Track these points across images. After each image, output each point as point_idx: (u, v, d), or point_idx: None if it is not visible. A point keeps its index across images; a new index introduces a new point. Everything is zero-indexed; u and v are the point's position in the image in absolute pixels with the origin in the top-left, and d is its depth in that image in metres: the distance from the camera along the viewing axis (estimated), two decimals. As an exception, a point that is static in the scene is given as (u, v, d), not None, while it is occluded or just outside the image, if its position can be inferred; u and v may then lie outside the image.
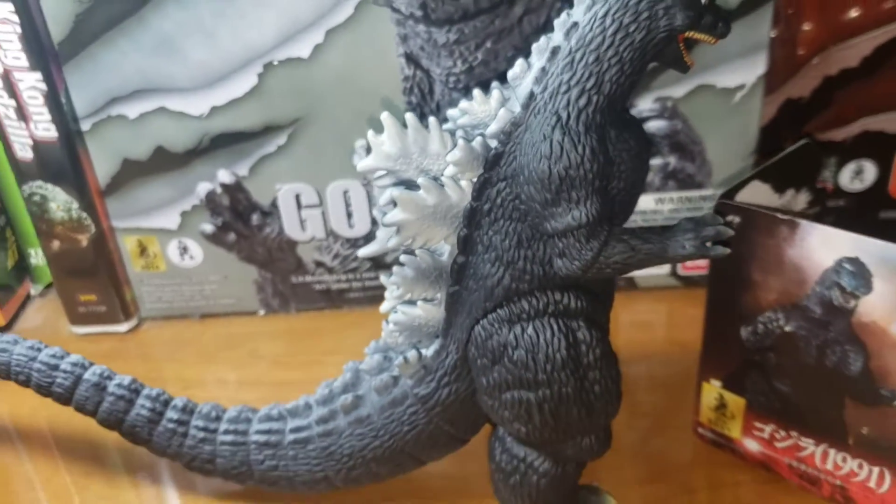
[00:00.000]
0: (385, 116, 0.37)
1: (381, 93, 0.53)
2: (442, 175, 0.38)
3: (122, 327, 0.62)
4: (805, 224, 0.39)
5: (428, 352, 0.41)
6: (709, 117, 0.54)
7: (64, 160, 0.56)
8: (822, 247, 0.39)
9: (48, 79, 0.54)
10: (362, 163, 0.39)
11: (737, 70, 0.52)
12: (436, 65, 0.52)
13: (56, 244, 0.59)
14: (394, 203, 0.38)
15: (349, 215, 0.58)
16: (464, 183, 0.38)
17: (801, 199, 0.47)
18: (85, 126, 0.55)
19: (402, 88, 0.53)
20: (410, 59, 0.52)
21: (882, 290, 0.38)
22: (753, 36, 0.51)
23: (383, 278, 0.41)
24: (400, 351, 0.42)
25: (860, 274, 0.38)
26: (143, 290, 0.62)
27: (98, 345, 0.61)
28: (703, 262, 0.59)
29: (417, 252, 0.39)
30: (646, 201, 0.57)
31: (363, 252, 0.41)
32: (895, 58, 0.56)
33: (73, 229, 0.58)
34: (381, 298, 0.61)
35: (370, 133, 0.38)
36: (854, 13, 0.55)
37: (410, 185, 0.38)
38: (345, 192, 0.57)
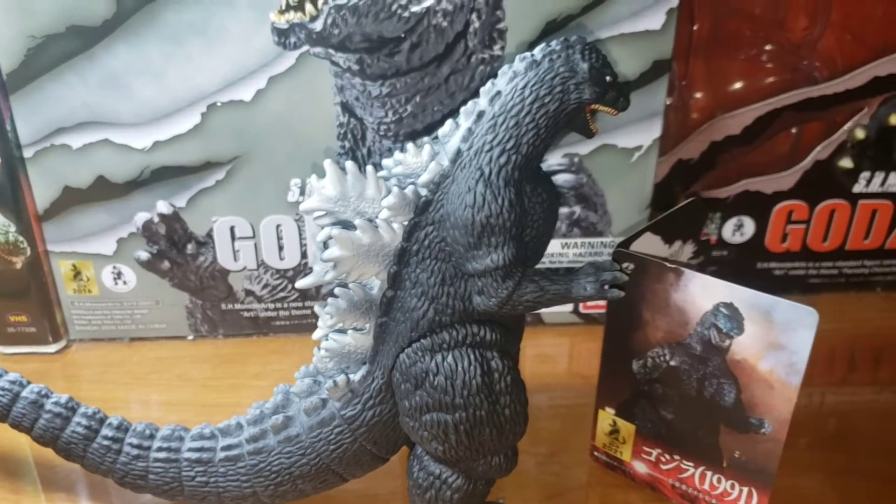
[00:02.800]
0: (328, 163, 0.42)
1: (316, 136, 0.57)
2: (376, 217, 0.42)
3: (51, 348, 0.64)
4: (688, 273, 0.45)
5: (356, 377, 0.45)
6: (610, 173, 0.60)
7: (4, 185, 0.58)
8: (702, 293, 0.45)
9: (-6, 106, 0.56)
10: (304, 203, 0.43)
11: (635, 133, 0.59)
12: (369, 114, 0.57)
13: (-10, 266, 0.61)
14: (332, 241, 0.42)
15: (280, 248, 0.62)
16: (395, 225, 0.42)
17: (688, 250, 0.53)
18: (28, 153, 0.57)
19: (336, 134, 0.57)
20: (346, 107, 0.57)
21: (752, 331, 0.44)
22: (651, 103, 0.58)
23: (317, 308, 0.45)
24: (329, 375, 0.46)
25: (734, 317, 0.45)
26: (74, 312, 0.64)
27: (25, 365, 0.62)
28: (602, 302, 0.65)
29: (351, 286, 0.44)
30: (553, 246, 0.63)
31: (300, 284, 0.44)
32: (771, 128, 0.63)
33: (9, 252, 0.60)
34: (306, 327, 0.66)
35: (313, 177, 0.42)
36: (738, 85, 0.62)
37: (347, 225, 0.42)
38: (277, 226, 0.61)
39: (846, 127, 0.63)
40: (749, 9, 0.60)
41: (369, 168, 0.42)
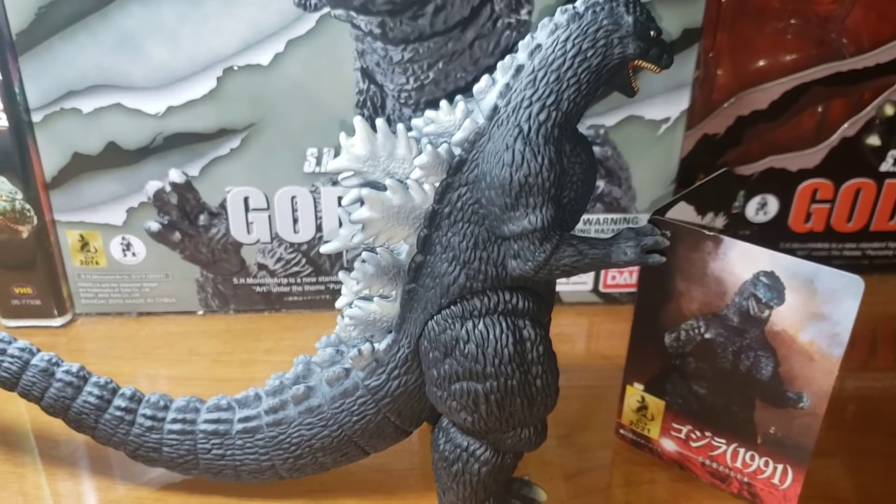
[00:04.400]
0: (357, 120, 0.40)
1: (334, 104, 0.56)
2: (407, 178, 0.41)
3: (56, 322, 0.62)
4: (728, 240, 0.44)
5: (381, 345, 0.44)
6: (636, 146, 0.59)
7: (12, 150, 0.56)
8: (742, 261, 0.44)
9: (3, 68, 0.54)
10: (332, 163, 0.41)
11: (663, 104, 0.57)
12: (389, 81, 0.55)
13: (-5, 234, 0.59)
14: (361, 202, 0.40)
15: (295, 220, 0.60)
16: (427, 186, 0.41)
17: (719, 222, 0.52)
18: (36, 117, 0.56)
19: (355, 101, 0.56)
20: (366, 73, 0.55)
21: (792, 301, 0.43)
22: (680, 74, 0.56)
23: (342, 275, 0.43)
24: (353, 345, 0.45)
25: (775, 287, 0.43)
26: (81, 285, 0.62)
27: (29, 338, 0.59)
28: (625, 280, 0.64)
29: (378, 250, 0.42)
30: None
31: (325, 248, 0.43)
32: (798, 104, 0.62)
33: (15, 220, 0.58)
34: (320, 303, 0.64)
35: (342, 135, 0.41)
36: (764, 59, 0.61)
37: (377, 185, 0.41)
38: (292, 198, 0.59)
39: (875, 103, 0.62)
40: (777, -19, 0.59)
41: (400, 126, 0.40)
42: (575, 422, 0.55)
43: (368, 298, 0.43)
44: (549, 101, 0.39)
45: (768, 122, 0.63)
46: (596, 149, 0.58)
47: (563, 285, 0.65)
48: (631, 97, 0.41)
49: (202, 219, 0.59)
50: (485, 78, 0.41)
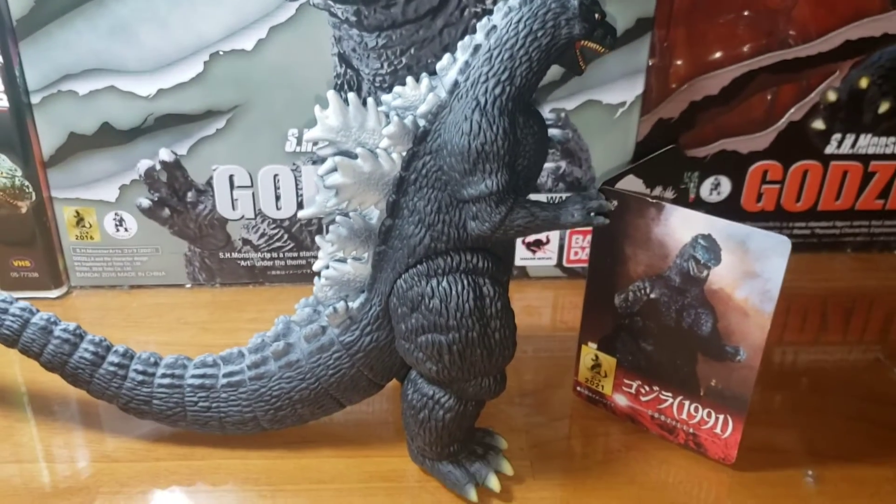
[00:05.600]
0: (331, 94, 0.44)
1: (314, 87, 0.60)
2: (377, 147, 0.45)
3: (53, 294, 0.66)
4: (668, 206, 0.48)
5: (354, 304, 0.48)
6: (595, 128, 0.63)
7: (12, 130, 0.60)
8: (681, 225, 0.48)
9: (4, 52, 0.58)
10: (309, 133, 0.45)
11: (619, 89, 0.62)
12: (365, 66, 0.59)
13: (-4, 210, 0.63)
14: (335, 168, 0.45)
15: (277, 198, 0.64)
16: (395, 155, 0.45)
17: (668, 196, 0.56)
18: (35, 99, 0.59)
19: (333, 84, 0.60)
20: (343, 58, 0.59)
21: (728, 261, 0.47)
22: (634, 60, 0.61)
23: (318, 239, 0.47)
24: (329, 304, 0.49)
25: (711, 248, 0.47)
26: (76, 259, 0.66)
27: None
28: (586, 255, 0.68)
29: (351, 214, 0.46)
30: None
31: (303, 213, 0.47)
32: (747, 89, 0.66)
33: (15, 196, 0.62)
34: (301, 277, 0.68)
35: (317, 107, 0.45)
36: (716, 48, 0.65)
37: (349, 155, 0.45)
38: (275, 176, 0.63)
39: (819, 89, 0.67)
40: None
41: (370, 100, 0.45)
42: (538, 383, 0.59)
43: (343, 260, 0.47)
44: (503, 77, 0.43)
45: (720, 107, 0.67)
46: (558, 131, 0.62)
47: (530, 261, 0.69)
48: (579, 75, 0.45)
49: (190, 196, 0.63)
50: (446, 56, 0.45)
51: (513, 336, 0.47)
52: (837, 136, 0.68)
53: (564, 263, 0.69)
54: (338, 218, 0.46)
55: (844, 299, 0.70)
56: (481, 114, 0.43)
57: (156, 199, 0.63)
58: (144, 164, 0.62)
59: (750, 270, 0.46)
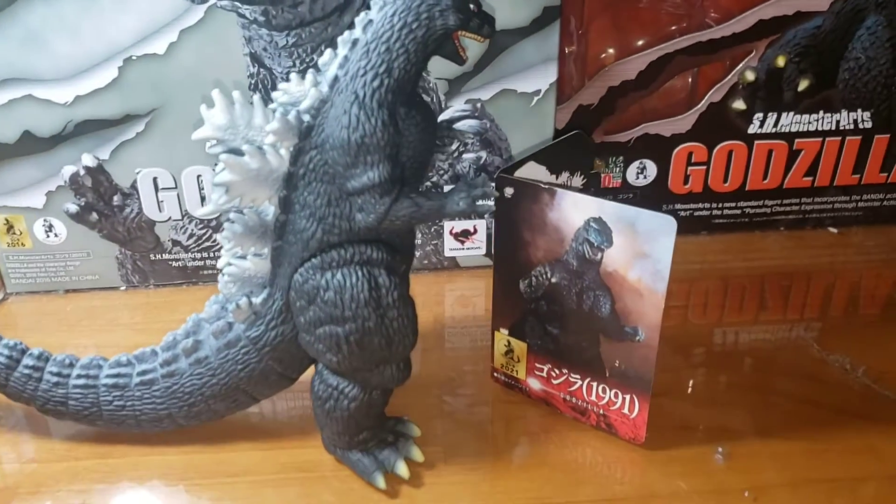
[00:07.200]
0: (216, 93, 0.45)
1: (228, 87, 0.61)
2: (264, 144, 0.46)
3: (-12, 301, 0.67)
4: (560, 192, 0.49)
5: (257, 299, 0.49)
6: (512, 117, 0.64)
7: (-66, 142, 0.61)
8: (574, 209, 0.49)
9: (-80, 66, 0.59)
10: (197, 132, 0.46)
11: (533, 77, 0.62)
12: (277, 64, 0.60)
13: (-75, 222, 0.64)
14: (223, 166, 0.45)
15: (202, 198, 0.65)
16: (282, 151, 0.45)
17: (576, 182, 0.57)
18: (-45, 111, 0.61)
19: (247, 84, 0.61)
20: (255, 58, 0.60)
21: (620, 243, 0.48)
22: (545, 49, 0.61)
23: (217, 236, 0.48)
24: (233, 300, 0.49)
25: (603, 230, 0.48)
26: (9, 266, 0.67)
27: None
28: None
29: (245, 211, 0.47)
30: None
31: (199, 212, 0.48)
32: (665, 72, 0.67)
33: (-57, 207, 0.63)
34: (233, 275, 0.68)
35: (203, 107, 0.45)
36: (633, 33, 0.66)
37: (237, 151, 0.46)
38: (198, 177, 0.64)
39: (737, 69, 0.67)
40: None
41: (256, 97, 0.45)
42: (463, 371, 0.60)
43: (243, 257, 0.48)
44: (381, 70, 0.44)
45: (639, 91, 0.67)
46: (475, 122, 0.63)
47: (460, 251, 0.70)
48: (461, 65, 0.46)
49: (116, 199, 0.64)
50: (328, 51, 0.45)
51: (413, 324, 0.48)
52: (759, 115, 0.69)
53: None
54: (232, 215, 0.47)
55: (780, 277, 0.71)
56: (360, 107, 0.43)
57: (82, 203, 0.64)
58: (68, 170, 0.63)
59: (640, 251, 0.47)
